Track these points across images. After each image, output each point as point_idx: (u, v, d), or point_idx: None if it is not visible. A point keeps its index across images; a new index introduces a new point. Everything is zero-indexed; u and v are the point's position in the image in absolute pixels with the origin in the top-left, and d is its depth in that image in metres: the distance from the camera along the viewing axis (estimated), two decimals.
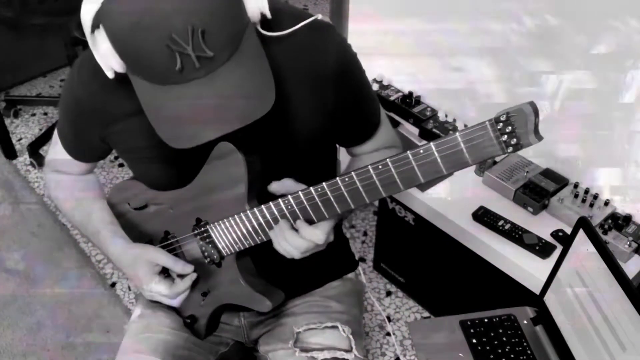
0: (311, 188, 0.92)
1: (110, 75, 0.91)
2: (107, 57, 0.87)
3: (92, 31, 0.86)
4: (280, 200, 0.95)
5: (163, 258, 1.07)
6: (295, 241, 0.96)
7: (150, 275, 1.07)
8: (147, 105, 0.88)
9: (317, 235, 0.95)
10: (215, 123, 0.85)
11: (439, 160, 0.81)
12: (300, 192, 0.93)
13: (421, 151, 0.82)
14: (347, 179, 0.89)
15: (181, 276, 1.08)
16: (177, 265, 1.06)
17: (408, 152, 0.83)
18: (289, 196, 0.94)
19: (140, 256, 1.08)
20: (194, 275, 1.07)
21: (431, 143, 0.81)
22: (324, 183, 0.91)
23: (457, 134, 0.79)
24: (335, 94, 1.03)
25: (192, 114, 0.84)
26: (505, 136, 0.76)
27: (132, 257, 1.09)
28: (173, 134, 0.87)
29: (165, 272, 1.09)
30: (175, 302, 1.10)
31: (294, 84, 1.00)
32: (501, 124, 0.76)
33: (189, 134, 0.85)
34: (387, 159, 0.85)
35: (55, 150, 1.19)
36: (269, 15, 0.91)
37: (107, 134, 1.08)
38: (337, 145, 1.21)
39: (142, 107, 0.88)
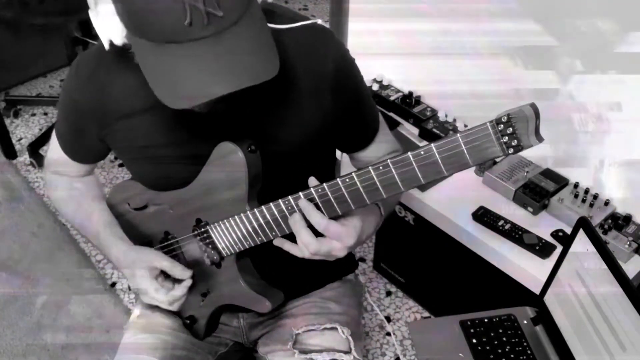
0: (312, 189, 0.92)
1: (106, 46, 0.90)
2: (107, 24, 0.86)
3: None
4: (280, 200, 0.95)
5: (162, 262, 1.05)
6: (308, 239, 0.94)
7: (149, 279, 1.05)
8: (148, 66, 0.84)
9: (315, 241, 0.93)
10: (223, 81, 0.81)
11: (439, 161, 0.81)
12: (300, 193, 0.93)
13: (422, 152, 0.82)
14: (347, 180, 0.88)
15: (180, 280, 1.06)
16: (175, 269, 1.05)
17: (409, 153, 0.83)
18: (289, 197, 0.94)
19: (138, 260, 1.07)
20: (190, 282, 1.05)
21: (432, 144, 0.81)
22: (324, 184, 0.91)
23: (458, 135, 0.79)
24: (334, 98, 1.03)
25: (197, 71, 0.81)
26: (506, 137, 0.77)
27: (131, 260, 1.08)
28: (173, 94, 0.82)
29: (164, 274, 1.08)
30: (173, 308, 1.08)
31: (292, 84, 1.00)
32: (502, 125, 0.76)
33: (191, 92, 0.81)
34: (388, 160, 0.85)
35: (54, 152, 1.19)
36: None
37: (105, 133, 1.08)
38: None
39: (142, 71, 0.84)
